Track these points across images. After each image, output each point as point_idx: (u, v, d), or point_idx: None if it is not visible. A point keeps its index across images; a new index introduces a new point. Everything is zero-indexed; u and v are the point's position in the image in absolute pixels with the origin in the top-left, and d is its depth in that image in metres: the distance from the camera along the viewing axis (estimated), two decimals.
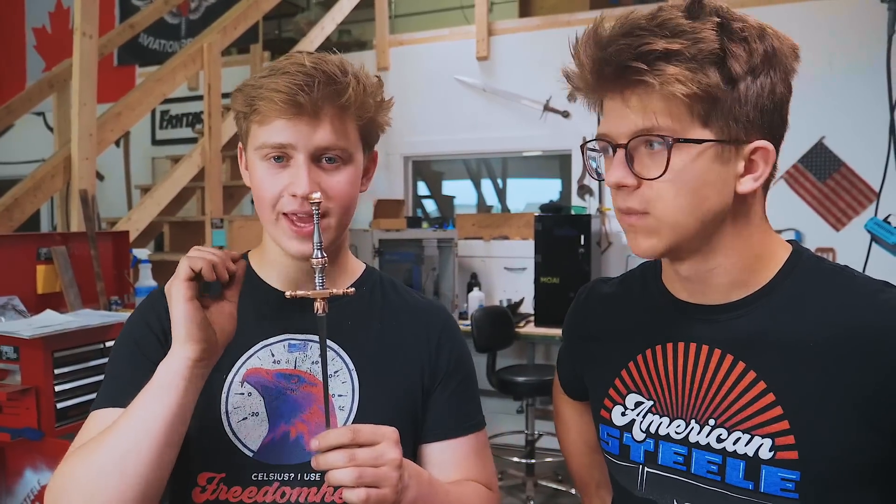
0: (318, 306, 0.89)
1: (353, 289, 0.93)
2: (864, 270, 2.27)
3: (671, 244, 0.85)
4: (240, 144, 1.04)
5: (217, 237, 3.72)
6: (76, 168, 3.09)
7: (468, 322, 4.14)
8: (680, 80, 0.76)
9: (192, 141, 5.44)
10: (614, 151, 0.84)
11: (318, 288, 0.89)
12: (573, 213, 4.54)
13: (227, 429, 0.97)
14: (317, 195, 0.89)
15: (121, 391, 0.95)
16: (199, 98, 4.71)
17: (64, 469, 0.88)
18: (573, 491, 4.07)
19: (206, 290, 0.92)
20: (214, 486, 0.95)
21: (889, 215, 2.17)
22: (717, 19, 0.79)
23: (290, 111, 0.92)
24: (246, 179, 1.04)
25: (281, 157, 0.95)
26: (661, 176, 0.80)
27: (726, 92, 0.78)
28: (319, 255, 0.89)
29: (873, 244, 2.25)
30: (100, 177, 3.59)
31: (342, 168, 0.97)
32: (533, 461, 4.16)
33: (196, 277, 0.88)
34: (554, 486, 4.20)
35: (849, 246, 4.14)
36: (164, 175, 4.56)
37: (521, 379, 3.98)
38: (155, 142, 6.09)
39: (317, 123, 0.93)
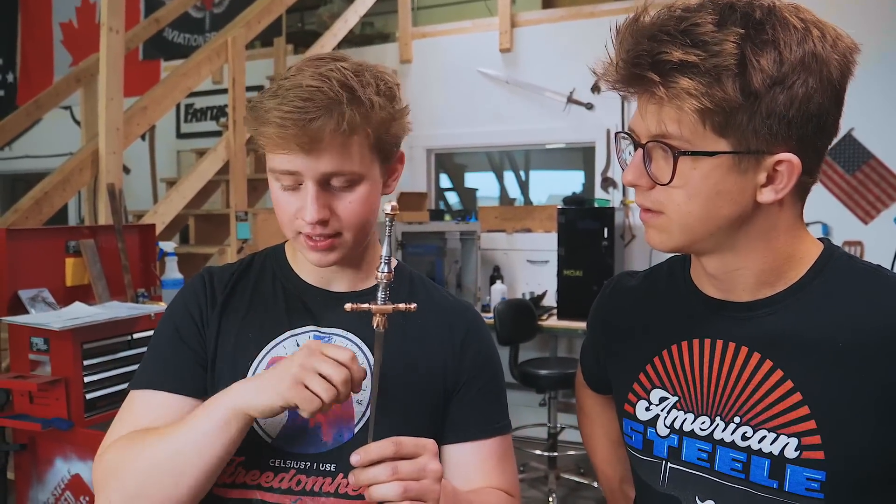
0: (378, 321, 0.87)
1: (414, 305, 0.89)
2: (892, 264, 2.24)
3: (683, 243, 0.85)
4: None
5: (242, 229, 3.75)
6: (104, 162, 3.12)
7: (491, 315, 4.14)
8: (691, 94, 0.75)
9: (217, 134, 5.49)
10: (636, 149, 0.84)
11: (379, 303, 0.87)
12: (596, 205, 4.51)
13: None
14: (392, 205, 0.85)
15: (159, 373, 1.00)
16: (224, 91, 4.74)
17: (119, 453, 0.92)
18: (595, 484, 4.06)
19: None
20: (233, 469, 0.97)
21: None
22: (742, 30, 0.75)
23: (287, 146, 0.90)
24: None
25: (291, 182, 0.94)
26: (669, 182, 0.80)
27: (745, 105, 0.75)
28: (386, 270, 0.86)
29: None
30: (126, 170, 3.63)
31: (354, 188, 0.95)
32: (555, 454, 4.15)
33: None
34: (576, 479, 4.19)
35: (877, 239, 4.07)
36: (189, 168, 4.61)
37: (543, 372, 3.98)
38: (180, 135, 6.15)
39: (319, 152, 0.90)
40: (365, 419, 0.99)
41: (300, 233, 0.96)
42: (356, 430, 0.99)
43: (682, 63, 0.75)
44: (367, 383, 0.99)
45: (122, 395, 2.25)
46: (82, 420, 2.25)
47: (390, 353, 0.89)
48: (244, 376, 0.99)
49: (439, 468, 0.85)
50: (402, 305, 0.87)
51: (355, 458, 0.82)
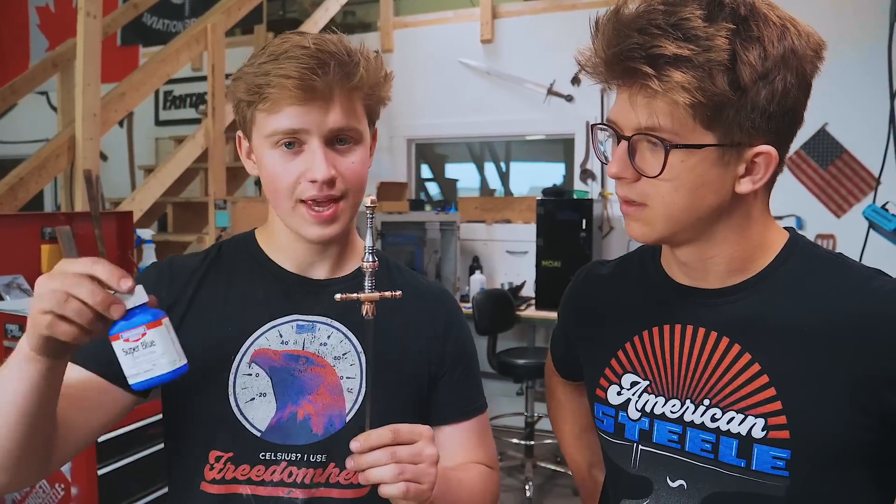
0: (367, 309, 0.88)
1: (399, 292, 0.91)
2: (861, 256, 2.30)
3: (665, 234, 0.87)
4: (239, 133, 1.02)
5: (220, 218, 3.74)
6: (80, 148, 3.10)
7: (469, 305, 4.16)
8: (685, 88, 0.76)
9: (196, 122, 5.45)
10: (618, 141, 0.85)
11: (367, 291, 0.88)
12: (575, 197, 4.55)
13: (234, 409, 0.98)
14: (371, 199, 0.87)
15: (85, 349, 0.86)
16: (203, 79, 4.71)
17: None
18: (571, 472, 4.11)
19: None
20: (222, 465, 0.97)
21: (887, 202, 2.19)
22: (732, 26, 0.77)
23: (303, 96, 0.90)
24: (249, 168, 1.02)
25: (293, 142, 0.93)
26: (658, 175, 0.82)
27: (733, 99, 0.78)
28: (371, 259, 0.87)
29: (871, 231, 2.26)
30: (103, 157, 3.60)
31: (354, 148, 0.97)
32: (532, 443, 4.19)
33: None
34: (553, 467, 4.24)
35: (849, 232, 4.14)
36: (167, 156, 4.58)
37: (521, 361, 4.01)
38: (158, 122, 6.09)
39: (328, 106, 0.92)
40: (356, 409, 1.00)
41: (301, 201, 0.95)
42: (348, 418, 1.00)
43: (676, 57, 0.76)
44: (356, 371, 1.01)
45: None
46: None
47: (378, 340, 0.91)
48: (227, 372, 0.99)
49: (435, 453, 0.87)
50: (388, 293, 0.89)
51: (355, 444, 0.84)
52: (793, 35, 0.80)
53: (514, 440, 4.37)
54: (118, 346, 0.78)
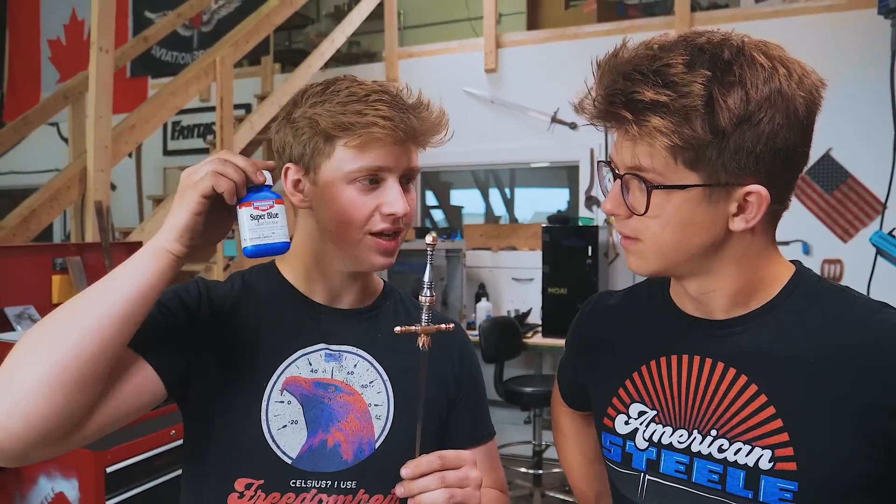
0: (423, 341, 0.93)
1: (452, 324, 0.98)
2: (869, 283, 2.30)
3: (658, 268, 0.90)
4: (290, 165, 1.02)
5: (228, 247, 3.76)
6: (91, 179, 3.13)
7: (476, 332, 4.16)
8: (662, 132, 0.79)
9: (204, 151, 5.50)
10: (615, 178, 0.88)
11: (424, 324, 0.93)
12: (581, 224, 4.56)
13: (266, 436, 0.99)
14: (432, 236, 0.94)
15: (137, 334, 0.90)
16: (211, 109, 4.76)
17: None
18: None
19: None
20: (252, 493, 0.97)
21: (894, 229, 2.19)
22: (708, 72, 0.78)
23: (397, 137, 0.97)
24: (296, 200, 1.03)
25: (375, 179, 0.99)
26: (644, 213, 0.84)
27: (713, 142, 0.79)
28: (430, 294, 0.93)
29: (879, 257, 2.27)
30: (112, 187, 3.64)
31: (411, 187, 1.04)
32: (540, 472, 4.16)
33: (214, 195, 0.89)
34: (561, 496, 4.20)
35: (856, 257, 4.14)
36: (176, 186, 4.61)
37: (528, 389, 3.99)
38: (166, 152, 6.15)
39: (413, 148, 1.02)
40: (384, 435, 1.03)
41: (370, 234, 0.99)
42: (377, 445, 1.02)
43: (654, 102, 0.79)
44: (384, 399, 1.05)
45: None
46: None
47: (406, 370, 0.96)
48: (260, 399, 1.00)
49: (479, 476, 0.93)
50: (443, 326, 0.95)
51: (406, 471, 0.90)
52: (781, 76, 0.80)
53: (522, 469, 4.33)
54: (246, 212, 0.90)
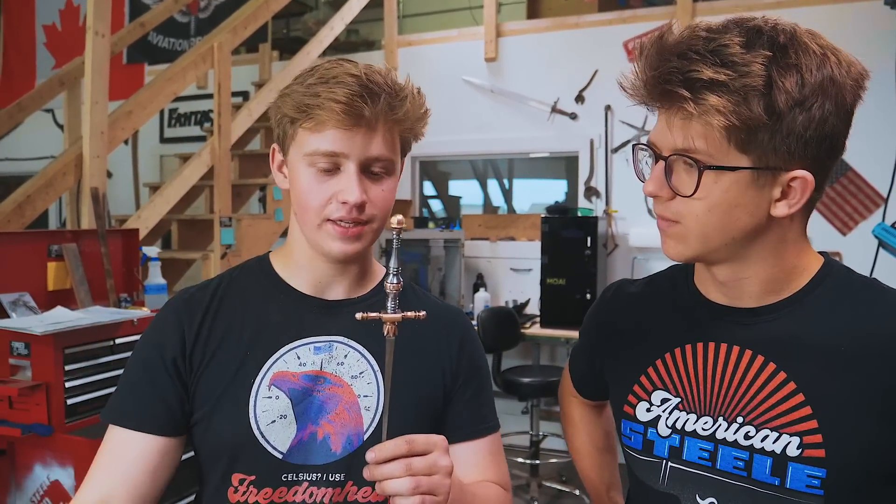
0: (389, 329, 0.89)
1: (423, 312, 0.92)
2: (871, 275, 2.29)
3: (699, 253, 0.89)
4: (275, 146, 1.05)
5: (225, 235, 3.74)
6: (87, 166, 3.10)
7: (474, 322, 4.15)
8: (720, 112, 0.78)
9: (201, 139, 5.47)
10: (656, 161, 0.87)
11: (389, 312, 0.89)
12: (580, 214, 4.55)
13: (256, 432, 0.99)
14: (398, 219, 0.89)
15: (137, 411, 1.01)
16: (208, 97, 4.73)
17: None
18: (577, 492, 4.08)
19: None
20: (245, 488, 0.98)
21: None
22: (769, 53, 0.79)
23: (348, 122, 0.94)
24: (279, 181, 1.06)
25: (330, 165, 0.97)
26: (692, 195, 0.84)
27: (768, 124, 0.79)
28: (395, 281, 0.89)
29: (881, 249, 2.26)
30: (108, 174, 3.61)
31: (385, 178, 1.01)
32: (537, 462, 4.17)
33: None
34: (558, 486, 4.21)
35: (855, 250, 4.13)
36: (172, 173, 4.59)
37: (526, 380, 3.99)
38: (163, 140, 6.11)
39: (371, 135, 0.97)
40: (373, 426, 1.01)
41: (328, 220, 0.98)
42: (366, 436, 1.01)
43: (712, 81, 0.78)
44: (373, 389, 1.02)
45: (103, 401, 2.24)
46: (63, 426, 2.22)
47: (396, 358, 0.92)
48: (248, 394, 1.00)
49: (450, 464, 0.87)
50: (410, 313, 0.90)
51: (370, 455, 0.84)
52: (833, 64, 0.81)
53: (520, 459, 4.34)
54: None
